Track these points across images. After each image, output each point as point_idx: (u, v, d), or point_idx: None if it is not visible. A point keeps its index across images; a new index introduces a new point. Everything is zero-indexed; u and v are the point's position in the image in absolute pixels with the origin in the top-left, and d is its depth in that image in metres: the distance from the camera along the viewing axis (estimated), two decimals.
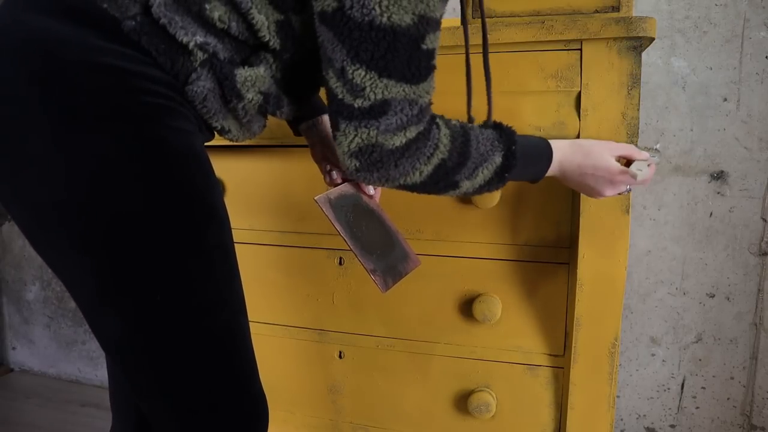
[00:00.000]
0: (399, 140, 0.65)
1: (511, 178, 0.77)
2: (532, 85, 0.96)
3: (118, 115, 0.60)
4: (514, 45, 0.94)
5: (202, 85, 0.65)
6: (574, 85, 0.94)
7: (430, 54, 0.64)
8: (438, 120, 0.70)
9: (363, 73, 0.61)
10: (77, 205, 0.60)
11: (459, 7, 0.87)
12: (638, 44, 0.90)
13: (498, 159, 0.74)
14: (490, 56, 0.85)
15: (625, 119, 0.91)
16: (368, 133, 0.64)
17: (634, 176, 0.82)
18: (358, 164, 0.67)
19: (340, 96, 0.64)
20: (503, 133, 0.76)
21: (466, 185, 0.74)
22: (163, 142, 0.62)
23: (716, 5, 1.37)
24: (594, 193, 0.85)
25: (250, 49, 0.68)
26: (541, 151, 0.80)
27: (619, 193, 0.85)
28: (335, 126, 0.66)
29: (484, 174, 0.74)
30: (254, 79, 0.67)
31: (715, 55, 1.39)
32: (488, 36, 0.85)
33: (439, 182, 0.72)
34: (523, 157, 0.76)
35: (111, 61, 0.60)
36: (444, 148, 0.70)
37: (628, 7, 0.93)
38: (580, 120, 0.94)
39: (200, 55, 0.64)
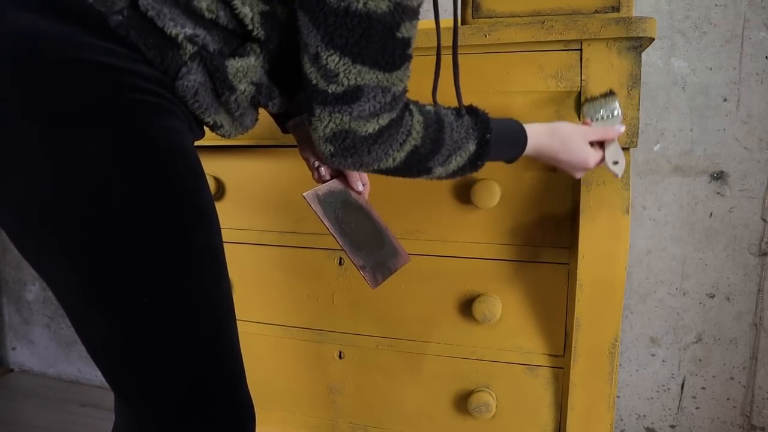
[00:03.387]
0: (372, 127, 0.66)
1: (483, 164, 0.79)
2: (532, 86, 0.96)
3: (105, 114, 0.59)
4: (514, 45, 0.94)
5: (193, 78, 0.64)
6: (573, 86, 0.94)
7: (406, 43, 0.64)
8: (412, 106, 0.71)
9: (337, 59, 0.62)
10: (62, 205, 0.59)
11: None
12: (638, 44, 0.90)
13: (472, 147, 0.75)
14: (489, 56, 0.85)
15: (625, 119, 0.91)
16: (341, 119, 0.65)
17: (616, 174, 0.88)
18: (332, 149, 0.69)
19: (314, 81, 0.64)
20: (479, 120, 0.77)
21: (439, 171, 0.76)
22: (152, 140, 0.61)
23: (716, 5, 1.37)
24: (567, 173, 0.89)
25: (239, 39, 0.67)
26: (516, 136, 0.81)
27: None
28: (310, 111, 0.67)
29: (457, 161, 0.75)
30: (246, 69, 0.67)
31: (715, 55, 1.39)
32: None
33: (413, 167, 0.74)
34: (497, 145, 0.77)
35: (98, 58, 0.58)
36: (417, 135, 0.71)
37: (628, 8, 0.93)
38: (579, 120, 0.94)
39: (190, 48, 0.63)
